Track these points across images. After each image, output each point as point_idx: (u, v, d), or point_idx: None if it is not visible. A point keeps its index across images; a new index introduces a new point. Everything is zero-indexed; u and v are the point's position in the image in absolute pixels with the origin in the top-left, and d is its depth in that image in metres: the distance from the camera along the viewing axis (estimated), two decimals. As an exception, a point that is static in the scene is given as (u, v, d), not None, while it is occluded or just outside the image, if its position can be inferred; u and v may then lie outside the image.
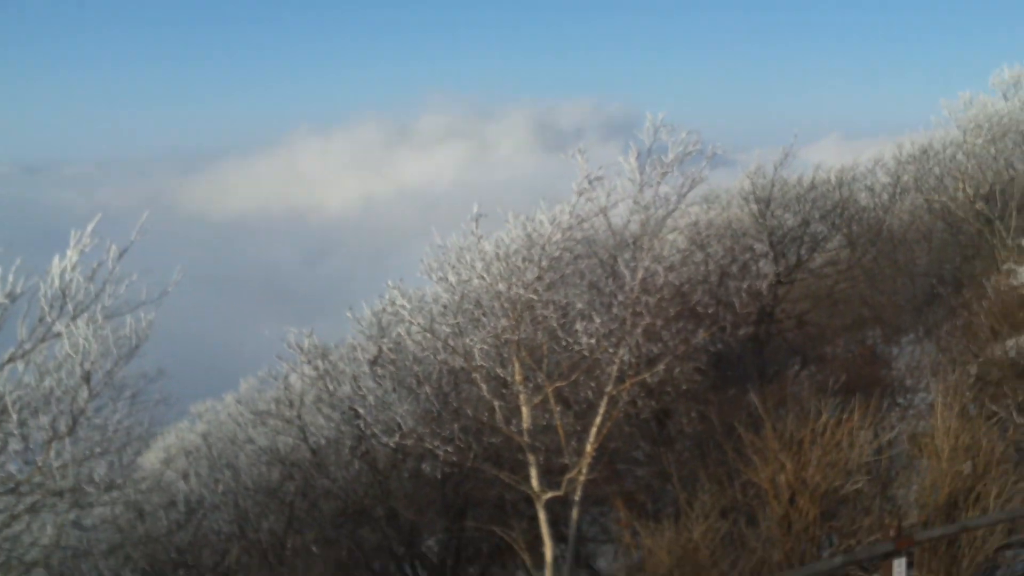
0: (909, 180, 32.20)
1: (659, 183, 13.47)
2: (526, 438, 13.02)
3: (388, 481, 16.96)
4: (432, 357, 14.49)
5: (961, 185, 28.01)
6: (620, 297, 13.04)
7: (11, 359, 11.11)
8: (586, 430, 13.18)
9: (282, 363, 17.89)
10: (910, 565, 10.45)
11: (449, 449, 13.25)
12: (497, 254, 13.29)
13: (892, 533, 9.65)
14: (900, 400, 20.11)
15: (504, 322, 12.74)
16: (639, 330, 12.85)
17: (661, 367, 13.08)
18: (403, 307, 13.99)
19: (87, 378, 11.10)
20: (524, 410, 13.12)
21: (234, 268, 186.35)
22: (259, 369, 22.03)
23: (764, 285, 22.29)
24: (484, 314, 13.17)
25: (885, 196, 32.78)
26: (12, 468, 11.08)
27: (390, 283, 14.41)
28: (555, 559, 13.30)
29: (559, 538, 14.39)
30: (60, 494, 11.12)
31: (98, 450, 11.32)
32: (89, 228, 11.43)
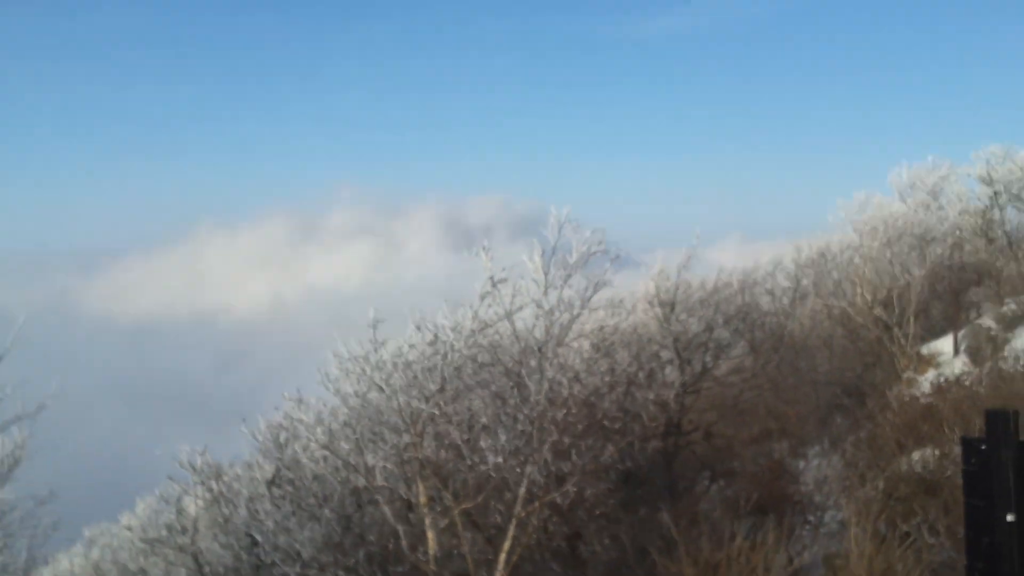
0: (808, 284, 32.57)
1: (563, 285, 13.16)
2: (433, 566, 12.37)
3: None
4: (333, 476, 13.78)
5: (859, 290, 28.31)
6: (526, 410, 12.57)
7: None
8: (496, 556, 12.57)
9: (174, 484, 16.78)
10: None
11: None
12: (397, 363, 12.78)
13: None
14: (810, 517, 19.86)
15: (406, 438, 12.17)
16: (547, 447, 12.36)
17: (571, 487, 12.59)
18: (300, 422, 13.34)
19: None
20: (430, 535, 12.50)
21: (143, 375, 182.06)
22: (157, 487, 20.82)
23: (671, 395, 22.00)
24: (386, 429, 12.59)
25: (786, 300, 33.09)
26: None
27: (286, 395, 13.76)
28: None
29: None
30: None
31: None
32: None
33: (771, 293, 33.64)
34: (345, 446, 12.87)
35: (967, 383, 21.44)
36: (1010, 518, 6.95)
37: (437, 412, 12.31)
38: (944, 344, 26.02)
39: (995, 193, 35.62)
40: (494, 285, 12.85)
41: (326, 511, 13.49)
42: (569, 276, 13.47)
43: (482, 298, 12.91)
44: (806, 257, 33.64)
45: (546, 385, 12.85)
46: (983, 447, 7.28)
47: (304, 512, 13.72)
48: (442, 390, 12.49)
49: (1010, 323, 23.83)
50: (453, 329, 12.97)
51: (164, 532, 17.27)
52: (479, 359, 13.55)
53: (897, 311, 26.86)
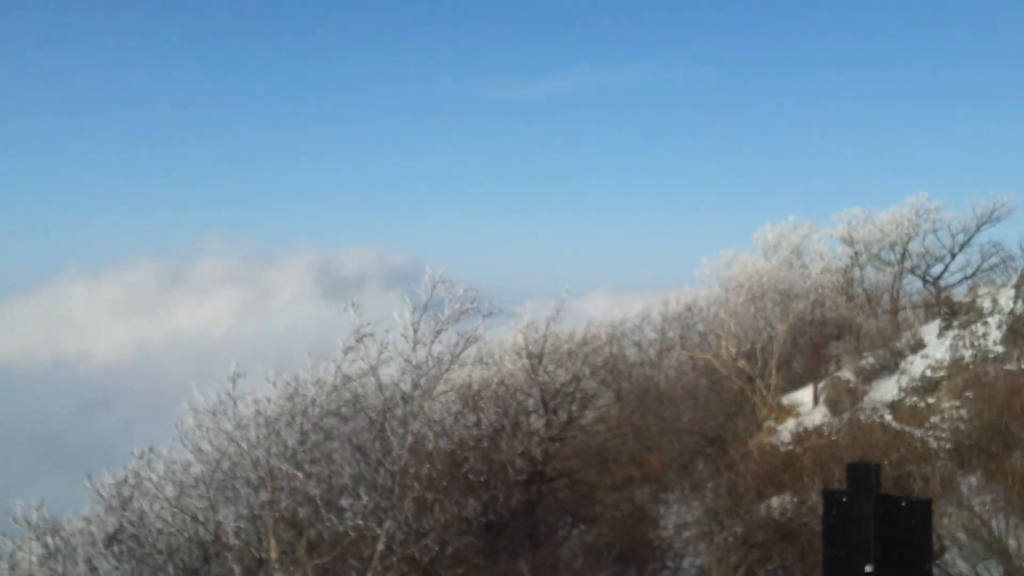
0: (675, 337, 33.02)
1: (433, 341, 12.98)
2: (282, 626, 11.91)
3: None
4: (180, 532, 13.19)
5: (724, 343, 28.76)
6: (388, 465, 12.26)
7: None
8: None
9: (7, 540, 15.83)
10: None
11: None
12: (255, 417, 12.33)
13: None
14: (669, 563, 19.94)
15: (263, 495, 11.72)
16: (409, 502, 12.05)
17: (431, 542, 12.29)
18: (149, 480, 12.74)
19: None
20: (280, 593, 12.03)
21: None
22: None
23: (538, 451, 21.91)
24: (241, 485, 12.10)
25: (652, 352, 33.51)
26: None
27: (135, 451, 13.16)
28: None
29: None
30: None
31: None
32: None
33: (638, 345, 34.06)
34: (196, 503, 12.34)
35: (826, 433, 21.84)
36: (868, 569, 6.95)
37: (298, 474, 11.89)
38: (804, 395, 26.54)
39: (855, 253, 36.80)
40: (358, 340, 12.56)
41: (170, 567, 12.90)
42: (440, 332, 13.28)
43: (345, 352, 12.59)
44: (673, 311, 34.18)
45: (410, 439, 12.60)
46: (844, 499, 7.28)
47: (147, 567, 13.10)
48: (302, 445, 12.10)
49: (868, 376, 24.44)
50: (315, 383, 12.60)
51: (-5, 588, 16.29)
52: (342, 412, 13.20)
53: (760, 363, 27.36)
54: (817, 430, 22.92)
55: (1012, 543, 13.35)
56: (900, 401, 21.96)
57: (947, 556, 13.77)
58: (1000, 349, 21.14)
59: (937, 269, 36.67)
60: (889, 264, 36.74)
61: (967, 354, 21.93)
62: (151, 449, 13.45)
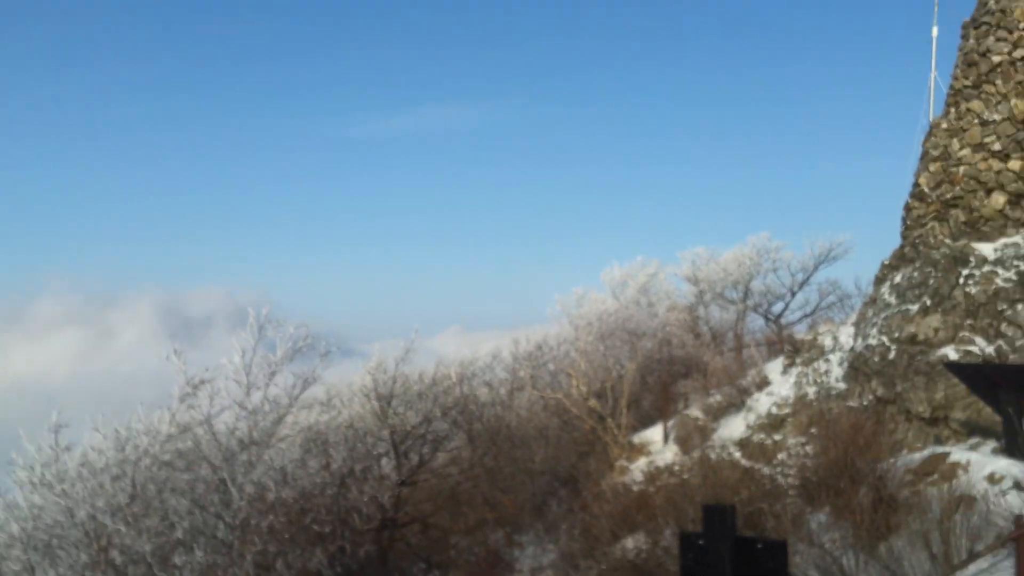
0: (526, 376, 32.91)
1: (268, 384, 12.40)
2: None
3: None
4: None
5: (574, 382, 28.78)
6: (228, 518, 11.60)
7: None
8: None
9: None
10: None
11: None
12: (81, 471, 11.52)
13: None
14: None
15: (84, 557, 10.90)
16: (249, 559, 11.41)
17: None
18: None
19: None
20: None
21: None
22: None
23: (389, 495, 21.36)
24: (65, 544, 11.25)
25: (503, 392, 33.31)
26: None
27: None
28: None
29: None
30: None
31: None
32: None
33: (489, 385, 33.80)
34: (12, 566, 11.39)
35: (678, 471, 21.96)
36: None
37: (124, 526, 11.11)
38: (654, 433, 26.73)
39: (700, 292, 37.47)
40: (193, 388, 11.89)
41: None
42: (273, 374, 12.69)
43: (181, 400, 11.90)
44: (524, 350, 34.08)
45: (250, 489, 11.94)
46: (701, 541, 7.18)
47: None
48: (132, 500, 11.33)
49: (716, 413, 24.77)
50: (147, 432, 11.86)
51: None
52: (177, 464, 12.46)
53: (610, 402, 27.43)
54: (669, 468, 23.06)
55: (861, 580, 13.49)
56: (748, 438, 22.25)
57: (799, 594, 13.82)
58: (842, 386, 21.63)
59: (778, 307, 37.69)
60: (733, 302, 37.53)
61: (811, 391, 22.39)
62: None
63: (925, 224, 23.93)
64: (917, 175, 24.99)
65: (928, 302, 20.93)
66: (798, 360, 24.27)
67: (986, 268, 21.04)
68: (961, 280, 21.01)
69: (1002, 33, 23.94)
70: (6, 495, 11.80)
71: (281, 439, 14.39)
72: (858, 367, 21.29)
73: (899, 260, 24.21)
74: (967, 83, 24.42)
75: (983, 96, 23.98)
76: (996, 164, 23.18)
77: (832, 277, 40.00)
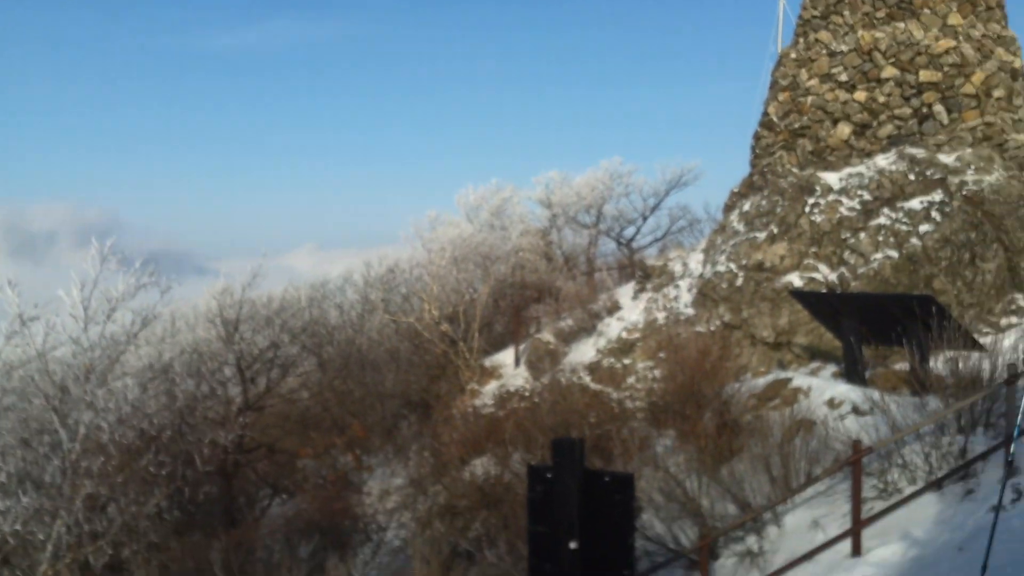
0: (377, 299, 32.53)
1: (107, 320, 11.74)
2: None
3: None
4: None
5: (427, 306, 28.53)
6: (57, 461, 10.97)
7: None
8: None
9: None
10: None
11: None
12: None
13: None
14: (373, 535, 19.52)
15: None
16: (79, 503, 10.82)
17: (105, 543, 11.13)
18: None
19: None
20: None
21: None
22: None
23: (235, 421, 20.84)
24: None
25: (355, 315, 32.88)
26: None
27: None
28: None
29: None
30: None
31: None
32: None
33: (340, 308, 33.35)
34: None
35: (528, 395, 22.02)
36: (573, 545, 6.78)
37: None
38: (506, 357, 26.71)
39: (553, 216, 37.45)
40: (23, 323, 11.12)
41: None
42: (113, 311, 11.98)
43: (8, 338, 11.13)
44: (375, 273, 33.65)
45: (82, 430, 11.30)
46: (549, 475, 7.07)
47: None
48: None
49: (567, 338, 24.84)
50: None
51: None
52: (5, 403, 11.70)
53: (462, 326, 27.28)
54: (519, 393, 23.12)
55: (705, 503, 13.71)
56: (598, 363, 22.41)
57: (644, 517, 13.97)
58: (691, 312, 21.92)
59: (630, 232, 38.01)
60: (585, 227, 37.68)
61: (660, 316, 22.63)
62: None
63: (773, 153, 24.30)
64: (766, 104, 25.31)
65: (775, 230, 21.29)
66: (648, 286, 24.49)
67: (831, 197, 21.49)
68: (807, 209, 21.42)
69: (851, -37, 24.28)
70: None
71: (119, 376, 13.69)
72: (706, 293, 21.58)
73: (748, 188, 24.56)
74: (816, 13, 24.72)
75: (831, 27, 24.32)
76: (843, 95, 23.61)
77: (683, 202, 40.59)
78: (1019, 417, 11.15)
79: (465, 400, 24.88)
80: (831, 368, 18.09)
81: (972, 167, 21.28)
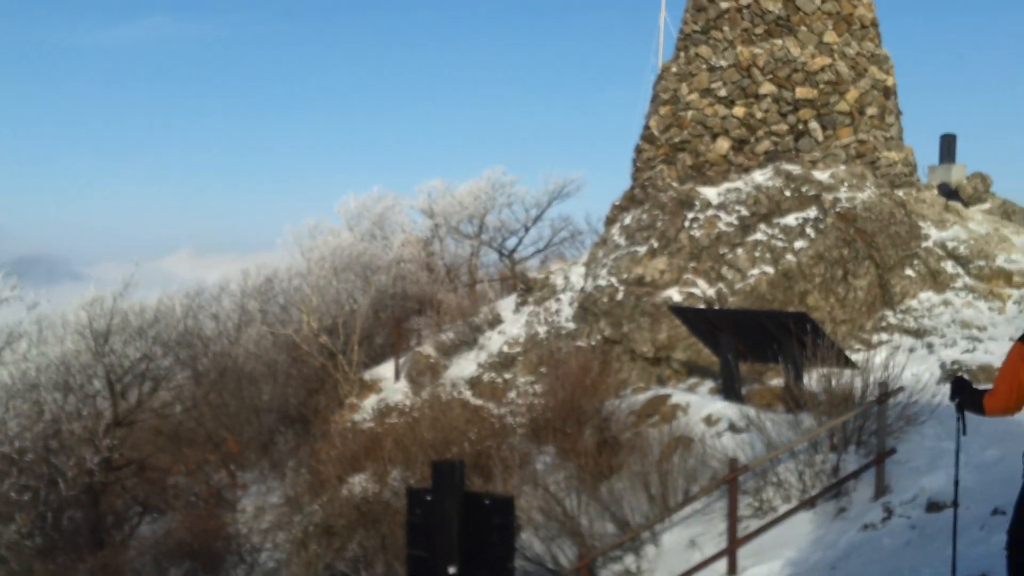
0: (254, 310, 31.88)
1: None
2: None
3: None
4: None
5: (305, 318, 28.04)
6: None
7: None
8: None
9: None
10: None
11: None
12: None
13: None
14: (247, 557, 19.01)
15: None
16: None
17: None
18: None
19: None
20: None
21: None
22: None
23: (102, 440, 20.11)
24: None
25: (231, 326, 32.17)
26: None
27: None
28: None
29: None
30: None
31: None
32: None
33: (216, 318, 32.59)
34: None
35: (408, 410, 21.73)
36: (452, 570, 6.63)
37: None
38: (386, 370, 26.36)
39: (436, 225, 37.18)
40: None
41: None
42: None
43: None
44: (253, 283, 32.97)
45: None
46: (428, 498, 6.91)
47: None
48: None
49: (448, 351, 24.61)
50: None
51: None
52: None
53: (342, 338, 26.87)
54: (399, 407, 22.80)
55: (584, 522, 13.65)
56: (479, 377, 22.24)
57: (523, 537, 13.83)
58: (572, 326, 21.89)
59: (512, 243, 37.99)
60: (468, 237, 37.52)
61: (542, 330, 22.56)
62: None
63: (654, 166, 24.46)
64: (648, 117, 25.48)
65: (655, 244, 21.41)
66: (530, 299, 24.42)
67: (710, 212, 21.71)
68: (686, 223, 21.60)
69: (730, -21, 24.60)
70: None
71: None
72: (588, 307, 21.59)
73: (629, 201, 24.67)
74: (696, 28, 24.99)
75: (711, 42, 24.61)
76: (722, 110, 23.91)
77: (565, 213, 40.71)
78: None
79: (344, 415, 24.47)
80: (709, 384, 18.23)
81: (845, 184, 21.72)
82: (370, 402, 24.74)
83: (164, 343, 25.99)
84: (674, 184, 23.29)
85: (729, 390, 16.76)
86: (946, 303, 20.08)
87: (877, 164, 23.24)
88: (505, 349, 22.72)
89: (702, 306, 19.47)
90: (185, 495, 22.79)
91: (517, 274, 30.93)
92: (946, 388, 13.68)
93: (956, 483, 8.30)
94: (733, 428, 15.12)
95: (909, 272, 20.70)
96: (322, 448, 21.25)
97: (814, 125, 23.31)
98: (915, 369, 16.03)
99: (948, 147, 32.22)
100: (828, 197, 21.25)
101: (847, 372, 14.17)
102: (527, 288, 25.04)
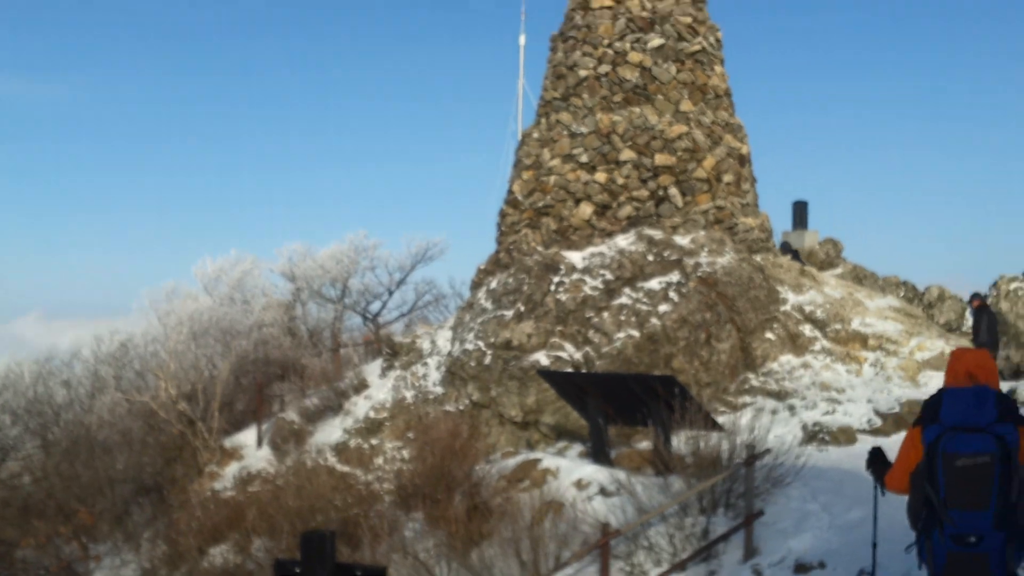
0: (109, 377, 30.87)
1: None
2: None
3: None
4: None
5: (163, 384, 27.24)
6: None
7: None
8: None
9: None
10: None
11: None
12: None
13: None
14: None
15: None
16: None
17: None
18: None
19: None
20: None
21: None
22: None
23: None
24: None
25: (83, 392, 31.07)
26: None
27: None
28: None
29: None
30: None
31: None
32: None
33: (68, 384, 31.43)
34: None
35: (271, 478, 21.22)
36: None
37: None
38: (248, 437, 25.73)
39: (297, 289, 36.72)
40: None
41: None
42: None
43: None
44: (107, 349, 31.94)
45: None
46: (297, 570, 6.74)
47: None
48: None
49: (312, 417, 24.18)
50: None
51: None
52: None
53: (202, 405, 26.15)
54: (261, 475, 22.26)
55: (456, 590, 13.50)
56: (345, 443, 21.89)
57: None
58: (440, 390, 21.80)
59: (376, 306, 37.76)
60: (331, 301, 37.15)
61: (409, 395, 22.39)
62: None
63: (519, 231, 24.69)
64: (511, 182, 25.76)
65: (522, 308, 21.54)
66: (396, 363, 24.23)
67: (575, 276, 21.97)
68: (552, 287, 21.80)
69: (588, 48, 25.13)
70: None
71: None
72: (455, 372, 21.54)
73: (494, 265, 24.82)
74: (556, 95, 25.45)
75: (571, 108, 25.07)
76: (584, 175, 24.29)
77: (429, 277, 40.74)
78: None
79: (204, 483, 23.75)
80: (578, 447, 18.33)
81: (706, 249, 22.27)
82: (231, 470, 24.08)
83: (12, 411, 24.91)
84: (539, 248, 23.53)
85: (599, 453, 16.87)
86: (806, 366, 20.67)
87: (735, 230, 23.92)
88: (372, 414, 22.45)
89: (570, 369, 19.61)
90: (34, 569, 21.78)
91: (382, 338, 30.70)
92: (810, 449, 14.11)
93: (874, 545, 8.24)
94: (604, 492, 15.20)
95: (769, 335, 21.27)
96: (180, 518, 20.57)
97: (674, 191, 23.87)
98: (778, 431, 16.41)
99: (800, 213, 33.49)
100: (690, 262, 21.74)
101: (714, 435, 14.43)
102: (393, 352, 24.85)
